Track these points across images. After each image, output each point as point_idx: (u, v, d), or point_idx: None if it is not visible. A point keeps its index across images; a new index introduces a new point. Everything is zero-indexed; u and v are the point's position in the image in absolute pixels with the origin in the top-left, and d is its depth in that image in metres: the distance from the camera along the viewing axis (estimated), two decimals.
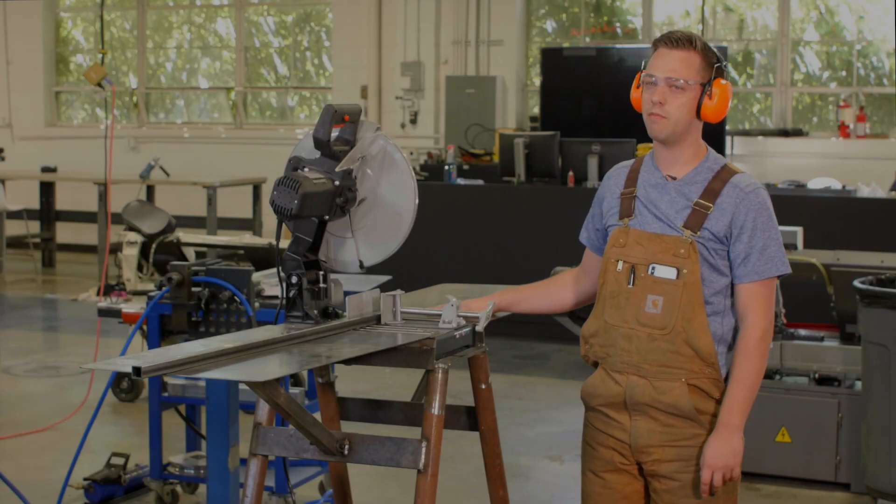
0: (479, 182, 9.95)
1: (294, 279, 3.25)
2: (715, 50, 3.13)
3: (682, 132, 3.13)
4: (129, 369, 2.61)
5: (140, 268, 7.59)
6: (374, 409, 3.55)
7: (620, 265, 3.15)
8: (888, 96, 11.71)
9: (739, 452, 3.05)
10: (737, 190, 3.09)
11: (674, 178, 3.16)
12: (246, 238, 7.25)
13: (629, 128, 9.69)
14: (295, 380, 5.54)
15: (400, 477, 5.77)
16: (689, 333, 3.07)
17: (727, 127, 11.12)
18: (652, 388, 3.11)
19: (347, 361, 3.03)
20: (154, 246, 7.45)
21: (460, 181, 9.89)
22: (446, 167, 9.98)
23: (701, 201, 3.10)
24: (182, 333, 4.92)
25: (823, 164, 11.09)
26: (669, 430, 3.11)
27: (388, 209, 3.35)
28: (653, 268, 3.11)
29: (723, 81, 3.11)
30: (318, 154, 3.31)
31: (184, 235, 7.55)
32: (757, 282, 3.08)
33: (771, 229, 3.09)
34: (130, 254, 7.55)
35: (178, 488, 5.46)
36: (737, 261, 3.09)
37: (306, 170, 3.27)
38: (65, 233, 14.09)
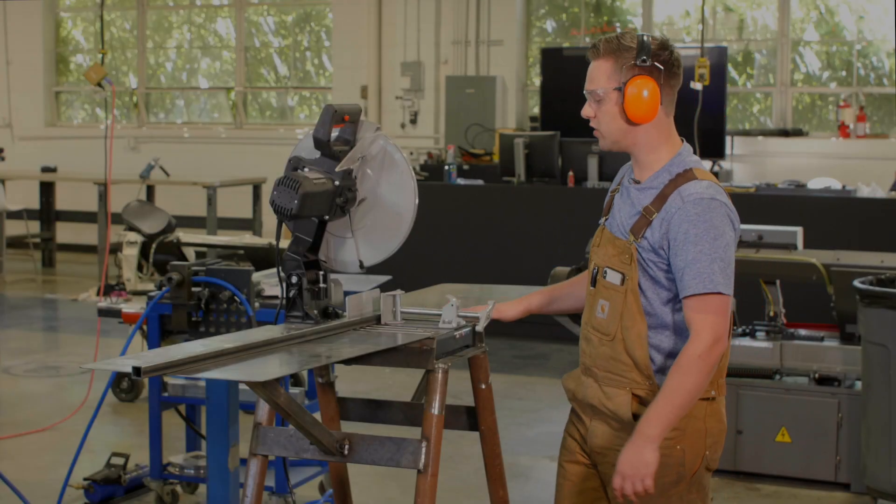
0: (479, 182, 9.95)
1: (294, 279, 3.25)
2: (634, 45, 2.99)
3: (621, 139, 3.06)
4: (129, 369, 2.61)
5: (140, 268, 7.59)
6: (374, 409, 3.55)
7: (593, 265, 3.15)
8: (888, 96, 11.71)
9: (651, 464, 2.91)
10: (678, 199, 2.96)
11: (637, 182, 3.09)
12: (246, 238, 7.25)
13: None
14: (295, 380, 5.54)
15: (400, 477, 5.77)
16: (627, 343, 3.03)
17: (727, 127, 11.12)
18: (601, 392, 3.09)
19: (347, 361, 3.03)
20: (154, 246, 7.45)
21: (460, 181, 9.89)
22: (446, 167, 9.98)
23: (649, 207, 3.01)
24: (182, 333, 4.92)
25: (823, 164, 11.08)
26: (619, 435, 3.06)
27: (388, 209, 3.35)
28: (605, 271, 3.08)
29: (644, 78, 2.97)
30: (318, 154, 3.31)
31: (184, 235, 7.55)
32: (692, 297, 2.92)
33: (703, 243, 2.91)
34: (130, 254, 7.54)
35: (178, 488, 5.46)
36: (676, 275, 2.95)
37: (306, 170, 3.27)
38: (65, 233, 14.09)
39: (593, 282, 3.13)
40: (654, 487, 2.97)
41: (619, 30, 12.75)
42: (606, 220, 3.16)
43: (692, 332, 2.93)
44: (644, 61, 2.99)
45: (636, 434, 2.94)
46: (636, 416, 3.02)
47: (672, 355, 3.01)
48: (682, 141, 3.12)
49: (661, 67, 3.01)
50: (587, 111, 3.08)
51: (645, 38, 3.02)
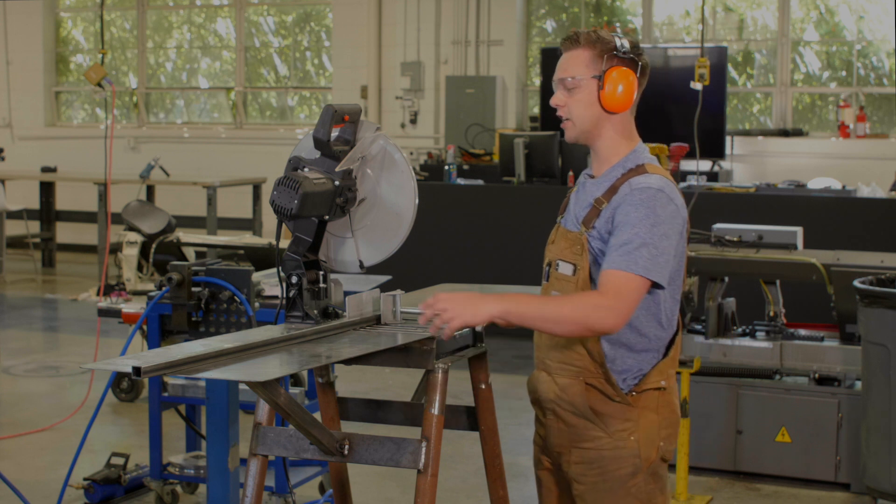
0: (479, 182, 9.95)
1: (294, 279, 3.25)
2: (613, 39, 3.05)
3: (590, 129, 3.09)
4: (129, 369, 2.61)
5: (140, 268, 7.60)
6: (374, 409, 3.55)
7: (546, 261, 3.19)
8: (888, 96, 11.71)
9: (475, 318, 2.89)
10: (627, 188, 3.00)
11: (593, 177, 3.14)
12: (246, 238, 7.26)
13: None
14: (295, 380, 5.54)
15: (400, 477, 5.77)
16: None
17: (727, 127, 11.12)
18: (556, 385, 3.10)
19: (347, 361, 3.03)
20: (154, 246, 7.46)
21: (460, 181, 9.89)
22: (446, 167, 9.98)
23: (600, 198, 3.05)
24: (182, 333, 4.92)
25: (823, 164, 11.09)
26: (573, 430, 3.08)
27: (388, 209, 3.35)
28: (557, 264, 3.11)
29: (623, 69, 3.03)
30: (318, 154, 3.31)
31: (184, 235, 7.55)
32: (613, 270, 2.91)
33: (640, 226, 2.93)
34: (130, 254, 7.55)
35: (178, 488, 5.46)
36: (607, 252, 2.97)
37: (306, 170, 3.27)
38: (65, 233, 14.09)
39: (546, 276, 3.16)
40: (605, 480, 3.03)
41: (619, 30, 12.78)
42: (562, 217, 3.22)
43: (604, 289, 2.91)
44: (626, 53, 3.05)
45: (496, 293, 2.95)
46: (593, 409, 3.04)
47: (622, 344, 3.04)
48: (640, 140, 3.17)
49: (639, 63, 3.08)
50: (557, 99, 3.10)
51: (620, 36, 3.09)
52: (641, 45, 3.13)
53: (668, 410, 3.09)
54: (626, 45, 3.06)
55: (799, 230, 6.22)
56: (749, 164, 11.65)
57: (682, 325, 3.14)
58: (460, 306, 2.90)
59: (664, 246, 2.94)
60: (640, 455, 3.05)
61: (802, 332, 6.07)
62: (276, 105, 14.67)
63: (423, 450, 3.02)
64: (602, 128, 3.09)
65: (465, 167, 11.11)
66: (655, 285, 2.95)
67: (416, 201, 3.35)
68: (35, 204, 13.50)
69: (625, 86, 3.03)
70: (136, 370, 2.59)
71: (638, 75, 3.07)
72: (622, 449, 3.04)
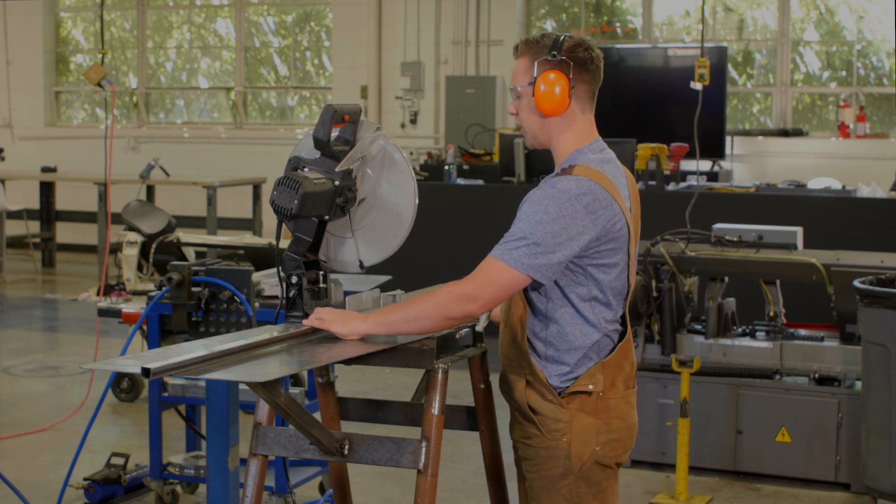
0: (479, 182, 9.94)
1: (294, 279, 3.25)
2: (548, 43, 3.08)
3: (539, 134, 3.14)
4: (136, 370, 2.60)
5: (140, 268, 7.60)
6: (374, 409, 3.55)
7: None
8: (888, 96, 11.71)
9: (345, 328, 3.03)
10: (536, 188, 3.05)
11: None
12: (246, 238, 7.26)
13: (629, 128, 9.68)
14: (295, 380, 5.54)
15: (400, 477, 5.77)
16: (511, 327, 3.11)
17: (727, 127, 11.12)
18: (507, 382, 3.15)
19: (347, 361, 3.03)
20: (154, 246, 7.46)
21: (460, 181, 9.88)
22: (446, 167, 9.98)
23: None
24: (182, 333, 4.92)
25: (823, 164, 11.09)
26: (521, 427, 3.14)
27: (388, 209, 3.35)
28: None
29: (555, 72, 3.05)
30: (318, 154, 3.31)
31: (184, 235, 7.56)
32: (488, 256, 3.00)
33: (526, 221, 3.00)
34: (130, 254, 7.56)
35: (178, 488, 5.46)
36: None
37: (306, 170, 3.27)
38: (65, 233, 14.10)
39: None
40: (540, 479, 3.07)
41: (619, 30, 12.79)
42: None
43: (470, 275, 2.99)
44: (554, 56, 3.07)
45: (369, 314, 3.08)
46: (530, 407, 3.07)
47: (550, 343, 3.07)
48: (597, 140, 3.16)
49: (571, 63, 3.07)
50: (511, 108, 3.19)
51: (561, 37, 3.10)
52: (590, 42, 3.12)
53: (611, 416, 3.08)
54: (563, 45, 3.07)
55: (799, 230, 6.22)
56: (749, 164, 11.65)
57: (633, 332, 3.17)
58: (336, 319, 3.06)
59: (549, 244, 2.97)
60: (570, 457, 3.06)
61: (802, 332, 6.07)
62: (276, 105, 14.67)
63: (423, 450, 3.03)
64: (550, 132, 3.13)
65: (465, 167, 11.10)
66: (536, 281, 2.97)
67: (416, 201, 3.35)
68: (35, 204, 13.50)
69: (554, 88, 3.05)
70: (146, 371, 2.58)
71: (572, 76, 3.07)
72: (554, 449, 3.06)
